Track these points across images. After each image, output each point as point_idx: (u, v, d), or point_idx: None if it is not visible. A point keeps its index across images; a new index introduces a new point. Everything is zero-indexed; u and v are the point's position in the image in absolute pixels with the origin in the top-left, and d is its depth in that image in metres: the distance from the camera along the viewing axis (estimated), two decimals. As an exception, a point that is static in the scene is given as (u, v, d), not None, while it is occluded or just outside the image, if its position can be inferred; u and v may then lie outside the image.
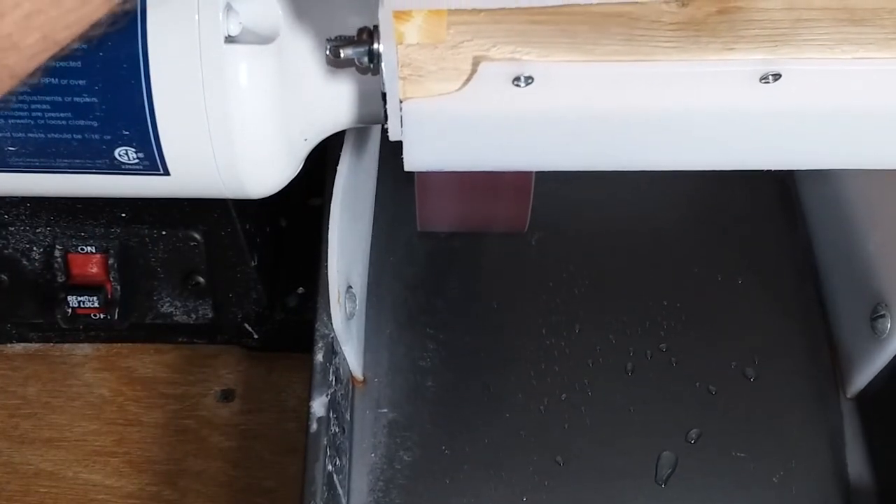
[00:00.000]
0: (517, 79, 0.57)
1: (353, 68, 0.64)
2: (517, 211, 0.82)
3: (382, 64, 0.56)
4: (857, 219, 0.86)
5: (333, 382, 0.77)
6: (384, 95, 0.57)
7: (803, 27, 0.57)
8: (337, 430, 0.77)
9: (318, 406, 0.75)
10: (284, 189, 0.70)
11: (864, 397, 0.86)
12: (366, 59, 0.58)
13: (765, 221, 0.95)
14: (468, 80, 0.57)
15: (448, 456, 0.83)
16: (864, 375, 0.84)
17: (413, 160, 0.61)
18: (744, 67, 0.57)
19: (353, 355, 0.81)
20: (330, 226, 0.72)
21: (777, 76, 0.57)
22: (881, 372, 0.83)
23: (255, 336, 0.96)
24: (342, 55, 0.58)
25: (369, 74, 0.62)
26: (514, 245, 0.92)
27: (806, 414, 0.85)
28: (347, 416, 0.82)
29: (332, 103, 0.66)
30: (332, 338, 0.78)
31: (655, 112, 0.59)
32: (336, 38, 0.60)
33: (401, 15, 0.54)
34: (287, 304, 0.96)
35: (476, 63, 0.57)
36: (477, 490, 0.81)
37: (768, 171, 0.65)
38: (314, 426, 0.75)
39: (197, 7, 0.60)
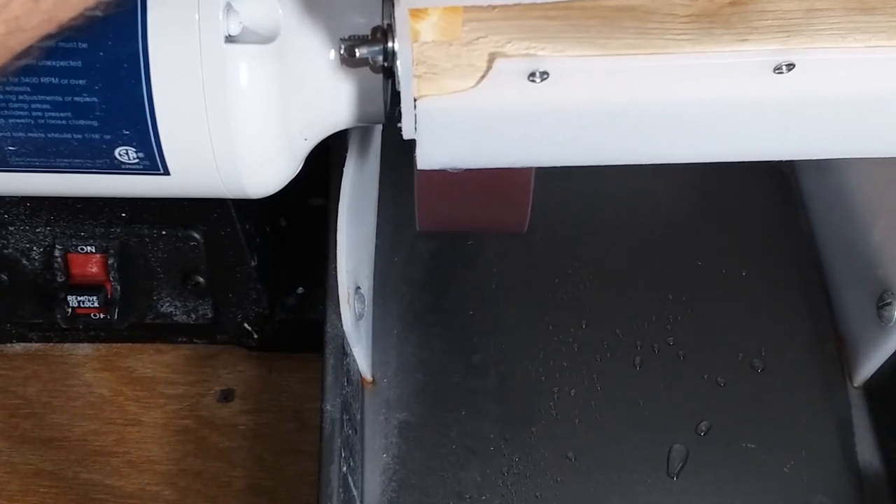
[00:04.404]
0: (532, 74, 0.57)
1: (355, 68, 0.64)
2: (516, 212, 0.82)
3: (397, 62, 0.56)
4: (860, 208, 0.86)
5: (345, 384, 0.77)
6: (398, 94, 0.57)
7: (816, 17, 0.57)
8: (350, 432, 0.77)
9: (332, 408, 0.75)
10: (284, 189, 0.69)
11: (871, 385, 0.86)
12: (380, 58, 0.58)
13: (767, 213, 0.96)
14: (483, 76, 0.57)
15: (459, 455, 0.82)
16: (871, 364, 0.84)
17: (426, 158, 0.61)
18: (757, 58, 0.57)
19: (362, 356, 0.81)
20: (338, 227, 0.71)
21: (791, 66, 0.57)
22: (888, 360, 0.83)
23: (255, 336, 0.95)
24: (357, 55, 0.58)
25: (380, 74, 0.62)
26: (518, 242, 0.92)
27: (814, 403, 0.85)
28: (358, 417, 0.82)
29: (332, 103, 0.66)
30: (343, 339, 0.78)
31: (670, 104, 0.59)
32: (350, 37, 0.60)
33: (416, 13, 0.53)
34: (287, 304, 0.96)
35: (491, 59, 0.57)
36: (490, 488, 0.81)
37: (769, 163, 0.65)
38: (328, 428, 0.74)
39: (197, 6, 0.59)
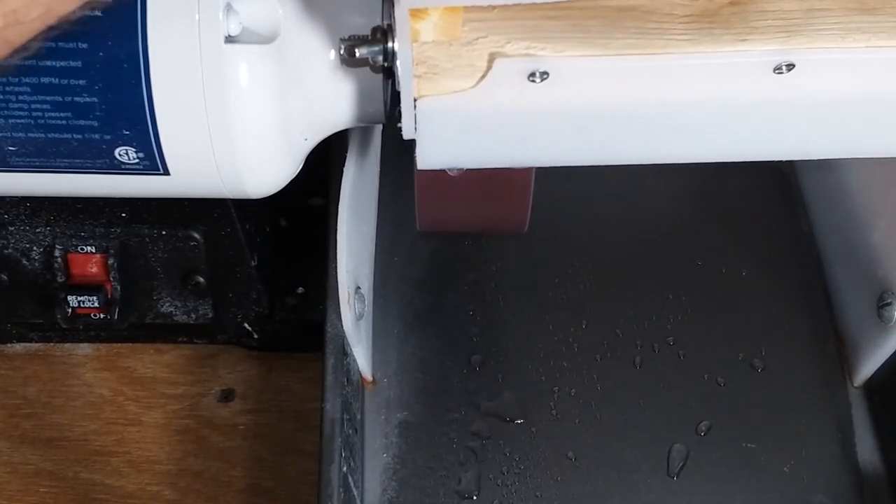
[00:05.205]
0: (532, 74, 0.57)
1: (355, 68, 0.64)
2: (516, 212, 0.82)
3: (397, 62, 0.56)
4: (860, 208, 0.86)
5: (345, 384, 0.77)
6: (398, 94, 0.57)
7: (815, 17, 0.57)
8: (350, 432, 0.77)
9: (332, 408, 0.75)
10: (284, 189, 0.69)
11: (871, 385, 0.86)
12: (380, 58, 0.58)
13: (767, 213, 0.96)
14: (483, 76, 0.57)
15: (459, 455, 0.82)
16: (870, 363, 0.84)
17: (426, 158, 0.61)
18: (757, 58, 0.57)
19: (362, 356, 0.81)
20: (339, 227, 0.71)
21: (791, 66, 0.58)
22: (888, 360, 0.83)
23: (255, 336, 0.95)
24: (357, 54, 0.58)
25: (380, 74, 0.62)
26: (518, 242, 0.92)
27: (814, 403, 0.85)
28: (358, 417, 0.82)
29: (332, 103, 0.66)
30: (343, 339, 0.78)
31: (670, 105, 0.59)
32: (350, 37, 0.60)
33: (416, 13, 0.53)
34: (287, 304, 0.95)
35: (491, 59, 0.57)
36: (490, 487, 0.81)
37: (769, 163, 0.65)
38: (328, 428, 0.74)
39: (197, 7, 0.59)
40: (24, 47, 0.47)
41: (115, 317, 0.87)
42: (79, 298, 0.86)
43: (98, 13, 0.59)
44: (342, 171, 0.74)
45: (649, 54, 0.57)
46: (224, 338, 0.96)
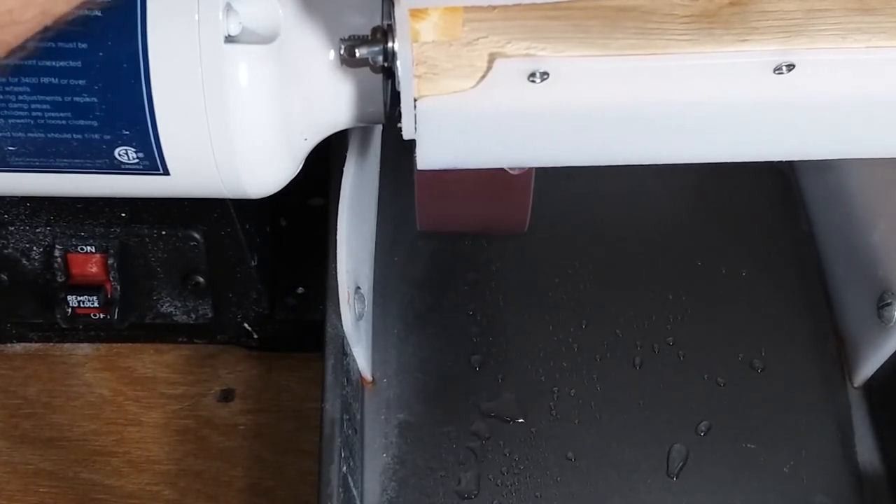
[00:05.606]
0: (532, 75, 0.57)
1: (355, 68, 0.64)
2: (517, 212, 0.82)
3: (397, 62, 0.56)
4: (860, 208, 0.86)
5: (345, 384, 0.77)
6: (398, 94, 0.57)
7: (816, 17, 0.57)
8: (350, 432, 0.77)
9: (332, 408, 0.75)
10: (284, 189, 0.69)
11: (871, 386, 0.86)
12: (380, 59, 0.58)
13: (767, 213, 0.96)
14: (483, 76, 0.57)
15: (459, 455, 0.82)
16: (870, 364, 0.84)
17: (426, 159, 0.61)
18: (758, 59, 0.57)
19: (362, 356, 0.81)
20: (338, 227, 0.71)
21: (791, 66, 0.58)
22: (888, 360, 0.83)
23: (255, 336, 0.95)
24: (357, 55, 0.58)
25: (380, 74, 0.62)
26: (518, 242, 0.92)
27: (814, 403, 0.85)
28: (358, 417, 0.82)
29: (332, 103, 0.66)
30: (343, 339, 0.78)
31: (670, 105, 0.59)
32: (350, 37, 0.60)
33: (416, 13, 0.53)
34: (287, 304, 0.95)
35: (491, 60, 0.57)
36: (490, 488, 0.81)
37: (769, 163, 0.65)
38: (328, 428, 0.74)
39: (197, 6, 0.59)
40: (21, 47, 0.47)
41: (115, 317, 0.87)
42: (79, 298, 0.86)
43: (97, 13, 0.59)
44: (342, 171, 0.74)
45: (649, 54, 0.57)
46: (224, 338, 0.96)
